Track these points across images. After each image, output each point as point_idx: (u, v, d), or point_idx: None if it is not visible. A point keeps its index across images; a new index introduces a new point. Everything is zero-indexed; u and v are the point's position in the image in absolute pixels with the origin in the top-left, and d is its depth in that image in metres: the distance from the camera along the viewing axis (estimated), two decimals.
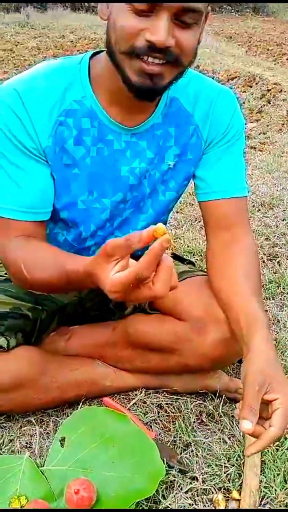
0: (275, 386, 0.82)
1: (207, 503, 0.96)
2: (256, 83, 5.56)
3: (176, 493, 0.97)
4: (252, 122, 4.27)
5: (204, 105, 1.06)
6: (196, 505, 0.96)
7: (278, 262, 1.83)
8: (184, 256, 1.47)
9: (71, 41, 8.38)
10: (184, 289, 1.14)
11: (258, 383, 0.81)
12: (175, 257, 1.37)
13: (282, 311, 1.56)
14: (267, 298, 1.62)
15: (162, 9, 0.80)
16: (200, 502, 0.96)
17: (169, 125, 1.05)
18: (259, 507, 0.95)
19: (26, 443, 1.09)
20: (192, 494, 0.98)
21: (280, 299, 1.63)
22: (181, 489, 0.98)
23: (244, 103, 4.81)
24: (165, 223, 1.29)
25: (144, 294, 0.72)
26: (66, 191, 1.04)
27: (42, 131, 0.97)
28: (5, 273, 1.20)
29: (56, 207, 1.06)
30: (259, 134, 3.88)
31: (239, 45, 9.05)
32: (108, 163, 1.04)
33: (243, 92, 5.26)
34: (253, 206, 2.31)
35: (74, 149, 1.01)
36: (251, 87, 5.45)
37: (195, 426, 1.14)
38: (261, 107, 4.66)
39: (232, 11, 16.09)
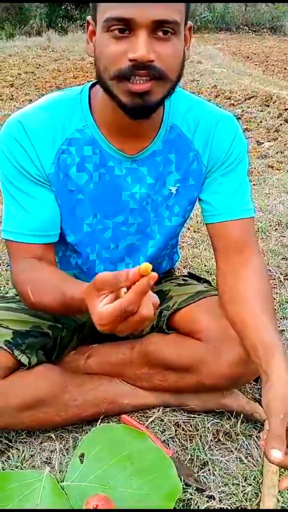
0: None
1: None
2: (273, 102, 5.60)
3: None
4: (269, 141, 4.30)
5: (204, 132, 1.09)
6: None
7: None
8: (202, 275, 1.49)
9: (91, 63, 8.54)
10: (201, 309, 1.17)
11: (282, 410, 0.81)
12: (191, 276, 1.39)
13: None
14: (283, 318, 1.63)
15: (137, 27, 0.84)
16: None
17: (169, 152, 1.08)
18: None
19: (46, 458, 1.11)
20: None
21: None
22: (198, 507, 1.00)
23: (261, 122, 4.86)
24: (175, 246, 1.32)
25: (131, 323, 0.74)
26: (72, 215, 1.09)
27: (45, 158, 1.02)
28: None
29: (63, 231, 1.10)
30: (276, 153, 3.90)
31: (256, 65, 9.12)
32: (109, 187, 1.08)
33: (260, 111, 5.30)
34: (270, 225, 2.32)
35: (78, 176, 1.06)
36: (268, 106, 5.49)
37: (212, 445, 1.15)
38: (278, 126, 4.68)
39: (249, 31, 16.24)
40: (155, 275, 0.70)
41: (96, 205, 1.10)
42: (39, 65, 8.31)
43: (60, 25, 15.24)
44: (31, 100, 5.63)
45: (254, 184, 3.14)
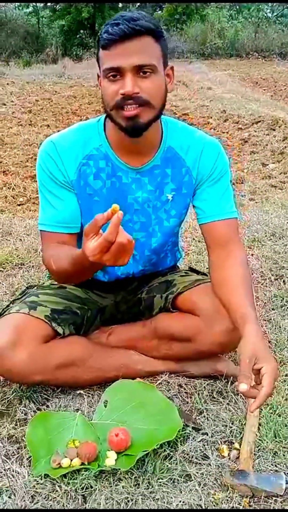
0: (260, 358, 1.13)
1: (214, 450, 1.27)
2: (279, 126, 5.90)
3: (191, 442, 1.28)
4: (273, 163, 4.61)
5: (194, 153, 1.42)
6: (206, 451, 1.26)
7: (283, 281, 2.14)
8: None
9: None
10: (198, 292, 1.49)
11: (248, 356, 1.13)
12: (192, 270, 1.70)
13: (284, 319, 1.87)
14: (271, 309, 1.93)
15: (125, 71, 1.19)
16: (209, 449, 1.27)
17: (166, 167, 1.42)
18: (254, 453, 1.25)
19: (77, 407, 1.42)
20: (203, 444, 1.29)
21: (283, 309, 1.94)
22: (195, 440, 1.29)
23: (267, 145, 5.17)
24: (175, 244, 1.63)
25: (113, 251, 1.06)
26: (89, 213, 1.41)
27: (70, 168, 1.38)
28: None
29: (83, 226, 1.43)
30: (280, 173, 4.20)
31: (264, 90, 9.44)
32: (118, 192, 1.42)
33: (266, 135, 5.61)
34: (265, 236, 2.64)
35: (94, 183, 1.40)
36: (274, 130, 5.78)
37: (207, 400, 1.45)
38: (283, 148, 4.98)
39: (259, 57, 16.72)
40: (121, 212, 1.04)
41: (108, 205, 1.40)
42: (56, 91, 8.71)
43: (75, 53, 15.87)
44: (48, 125, 6.01)
45: (256, 202, 3.44)
